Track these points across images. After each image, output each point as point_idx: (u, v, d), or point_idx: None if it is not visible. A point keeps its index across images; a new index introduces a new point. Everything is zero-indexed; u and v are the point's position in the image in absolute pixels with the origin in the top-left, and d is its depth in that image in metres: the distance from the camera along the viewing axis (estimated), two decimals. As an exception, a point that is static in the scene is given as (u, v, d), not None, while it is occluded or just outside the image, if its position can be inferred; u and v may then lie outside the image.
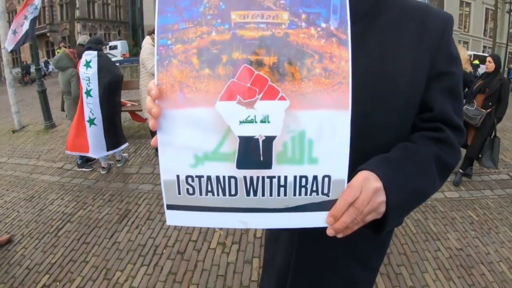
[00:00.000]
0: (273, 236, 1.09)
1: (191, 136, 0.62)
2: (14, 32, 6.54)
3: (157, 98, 0.61)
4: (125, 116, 6.82)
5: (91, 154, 4.09)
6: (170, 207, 0.67)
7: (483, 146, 4.03)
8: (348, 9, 0.59)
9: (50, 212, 3.63)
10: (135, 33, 40.81)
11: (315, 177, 0.63)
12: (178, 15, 0.60)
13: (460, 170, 4.20)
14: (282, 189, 0.64)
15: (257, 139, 0.61)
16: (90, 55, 3.92)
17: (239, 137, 0.61)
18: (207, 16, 0.60)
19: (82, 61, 3.95)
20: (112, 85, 4.03)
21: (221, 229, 3.07)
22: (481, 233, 3.13)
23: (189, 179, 0.65)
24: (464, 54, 4.46)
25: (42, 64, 24.08)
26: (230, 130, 0.61)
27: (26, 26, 6.40)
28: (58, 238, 3.11)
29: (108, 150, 4.16)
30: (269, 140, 0.61)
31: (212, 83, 0.60)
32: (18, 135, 7.14)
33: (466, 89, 4.33)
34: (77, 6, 30.16)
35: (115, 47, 26.91)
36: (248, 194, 0.64)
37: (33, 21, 6.41)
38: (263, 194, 0.64)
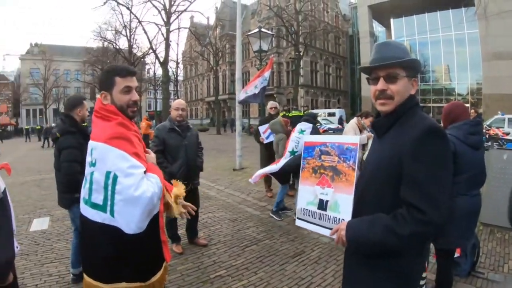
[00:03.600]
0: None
1: (306, 194, 1.72)
2: (246, 92, 8.80)
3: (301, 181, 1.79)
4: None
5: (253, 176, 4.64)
6: (298, 218, 1.76)
7: None
8: (357, 157, 1.51)
9: (244, 233, 4.66)
10: (354, 102, 42.19)
11: (339, 218, 1.54)
12: (308, 154, 1.76)
13: None
14: (329, 220, 1.59)
15: (323, 200, 1.63)
16: (306, 126, 4.84)
17: (319, 198, 1.64)
18: (315, 156, 1.72)
19: (297, 128, 4.86)
20: None
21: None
22: None
23: (303, 210, 1.73)
24: None
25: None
26: (317, 195, 1.66)
27: (255, 91, 8.47)
28: (243, 252, 4.02)
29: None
30: (327, 201, 1.61)
31: (314, 179, 1.69)
32: (236, 173, 9.13)
33: None
34: (301, 74, 34.14)
35: (333, 114, 28.50)
36: (319, 219, 1.64)
37: (262, 89, 8.41)
38: (324, 220, 1.62)
